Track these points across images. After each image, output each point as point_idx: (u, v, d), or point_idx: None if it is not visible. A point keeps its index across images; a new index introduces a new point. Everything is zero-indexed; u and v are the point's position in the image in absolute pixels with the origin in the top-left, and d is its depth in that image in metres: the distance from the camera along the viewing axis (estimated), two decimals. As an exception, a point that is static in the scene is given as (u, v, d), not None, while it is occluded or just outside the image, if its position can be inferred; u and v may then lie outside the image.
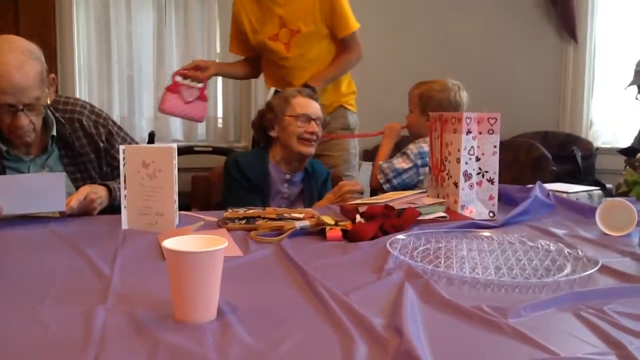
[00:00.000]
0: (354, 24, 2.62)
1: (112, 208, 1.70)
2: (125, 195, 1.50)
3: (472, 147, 1.67)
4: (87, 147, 1.82)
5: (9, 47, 1.61)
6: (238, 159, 2.18)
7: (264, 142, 2.26)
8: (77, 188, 1.75)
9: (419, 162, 2.29)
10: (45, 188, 1.56)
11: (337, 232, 1.40)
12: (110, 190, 1.72)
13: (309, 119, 2.17)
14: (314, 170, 2.27)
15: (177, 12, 3.84)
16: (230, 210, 1.60)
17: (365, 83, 3.67)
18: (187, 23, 3.86)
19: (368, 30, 3.97)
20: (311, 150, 2.18)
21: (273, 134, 2.19)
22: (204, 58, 3.89)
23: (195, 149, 3.65)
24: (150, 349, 0.76)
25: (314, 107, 2.21)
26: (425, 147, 2.24)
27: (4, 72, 1.57)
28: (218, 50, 3.94)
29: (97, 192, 1.68)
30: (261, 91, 3.75)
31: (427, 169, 2.18)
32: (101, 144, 1.84)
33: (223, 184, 2.19)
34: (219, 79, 3.93)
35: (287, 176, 2.20)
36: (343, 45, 2.65)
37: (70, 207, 1.59)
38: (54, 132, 1.76)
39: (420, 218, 1.55)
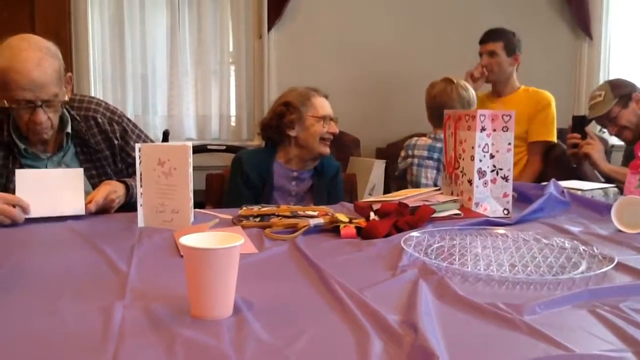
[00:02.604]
0: None
1: (129, 205, 1.72)
2: (141, 193, 1.51)
3: (487, 144, 1.67)
4: (102, 144, 1.84)
5: (27, 45, 1.63)
6: (242, 157, 2.20)
7: (274, 140, 2.26)
8: (93, 185, 1.78)
9: (404, 153, 2.68)
10: (64, 187, 1.58)
11: (351, 230, 1.40)
12: (127, 188, 1.74)
13: (329, 119, 2.20)
14: (324, 166, 2.27)
15: (191, 11, 3.85)
16: (244, 208, 1.61)
17: (379, 83, 3.68)
18: (200, 23, 3.87)
19: (380, 29, 3.98)
20: (328, 150, 2.21)
21: (292, 133, 2.18)
22: (217, 57, 3.91)
23: (209, 147, 3.66)
24: (168, 344, 0.77)
25: (330, 107, 2.23)
26: (413, 140, 2.66)
27: (23, 69, 1.59)
28: (231, 49, 3.95)
29: (116, 192, 1.69)
30: (274, 89, 3.77)
31: (409, 160, 2.65)
32: (116, 141, 1.86)
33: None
34: (232, 77, 3.95)
35: (295, 174, 2.20)
36: None
37: (89, 210, 1.61)
38: (69, 129, 1.78)
39: (434, 215, 1.55)
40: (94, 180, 1.82)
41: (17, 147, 1.74)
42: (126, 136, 1.89)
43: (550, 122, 3.02)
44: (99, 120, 1.85)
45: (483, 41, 3.13)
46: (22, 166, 1.74)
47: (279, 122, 2.20)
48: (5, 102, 1.62)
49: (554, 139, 3.01)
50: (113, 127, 1.87)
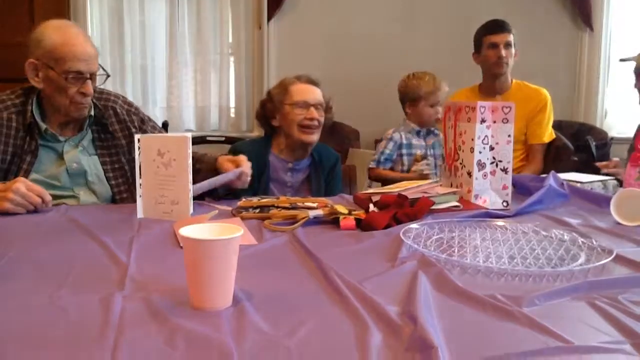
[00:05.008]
0: None
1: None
2: (140, 184, 1.51)
3: (486, 136, 1.66)
4: (119, 133, 1.89)
5: (69, 23, 1.80)
6: (237, 148, 2.19)
7: (267, 131, 2.26)
8: (104, 170, 1.84)
9: None
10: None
11: (350, 221, 1.40)
12: None
13: (307, 105, 2.14)
14: (321, 157, 2.26)
15: (190, 2, 3.84)
16: (243, 200, 1.61)
17: (379, 74, 3.66)
18: (200, 13, 3.86)
19: (380, 20, 3.97)
20: (313, 137, 2.15)
21: (275, 123, 2.18)
22: (216, 48, 3.90)
23: (208, 138, 3.66)
24: (168, 334, 0.77)
25: (313, 93, 2.17)
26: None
27: (78, 42, 1.72)
28: (230, 39, 3.94)
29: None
30: (273, 80, 3.76)
31: None
32: (134, 130, 1.90)
33: None
34: (232, 68, 3.94)
35: (290, 165, 2.19)
36: None
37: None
38: (92, 112, 1.84)
39: (433, 207, 1.55)
40: (106, 166, 1.86)
41: (38, 129, 1.77)
42: (144, 126, 1.95)
43: (549, 122, 2.93)
44: (118, 110, 1.91)
45: (498, 30, 2.88)
46: (37, 147, 1.77)
47: (264, 113, 2.21)
48: (62, 75, 1.70)
49: (553, 136, 2.95)
50: (131, 117, 1.93)
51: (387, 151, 2.73)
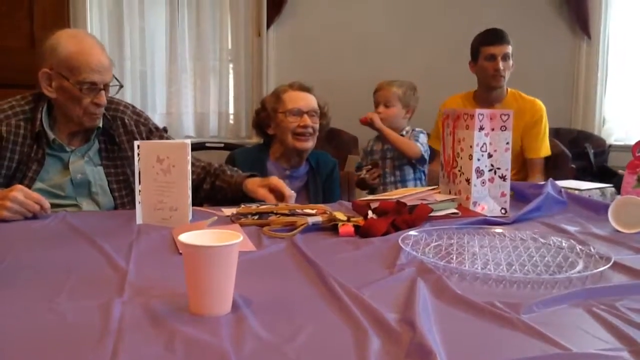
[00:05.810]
0: None
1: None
2: (139, 191, 1.51)
3: (485, 143, 1.67)
4: (126, 144, 1.88)
5: (86, 34, 1.82)
6: (235, 155, 2.20)
7: (264, 139, 2.27)
8: (109, 182, 1.84)
9: None
10: None
11: (349, 228, 1.41)
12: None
13: (300, 112, 2.15)
14: (319, 164, 2.26)
15: (189, 8, 3.86)
16: (242, 206, 1.62)
17: (378, 81, 3.67)
18: (199, 19, 3.87)
19: (379, 27, 3.98)
20: (307, 144, 2.16)
21: (270, 131, 2.19)
22: (216, 54, 3.90)
23: (207, 144, 3.67)
24: (167, 340, 0.77)
25: (306, 100, 2.18)
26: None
27: (93, 52, 1.72)
28: (230, 46, 3.95)
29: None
30: (273, 87, 3.77)
31: None
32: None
33: None
34: (230, 74, 3.95)
35: (287, 172, 2.20)
36: None
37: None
38: (101, 124, 1.83)
39: (432, 214, 1.56)
40: (110, 177, 1.85)
41: (46, 137, 1.76)
42: (152, 137, 1.94)
43: (545, 135, 2.85)
44: (126, 121, 1.90)
45: (497, 42, 2.78)
46: (44, 156, 1.76)
47: (259, 122, 2.22)
48: (76, 85, 1.70)
49: (549, 152, 2.86)
50: (139, 129, 1.92)
51: (358, 159, 2.84)
